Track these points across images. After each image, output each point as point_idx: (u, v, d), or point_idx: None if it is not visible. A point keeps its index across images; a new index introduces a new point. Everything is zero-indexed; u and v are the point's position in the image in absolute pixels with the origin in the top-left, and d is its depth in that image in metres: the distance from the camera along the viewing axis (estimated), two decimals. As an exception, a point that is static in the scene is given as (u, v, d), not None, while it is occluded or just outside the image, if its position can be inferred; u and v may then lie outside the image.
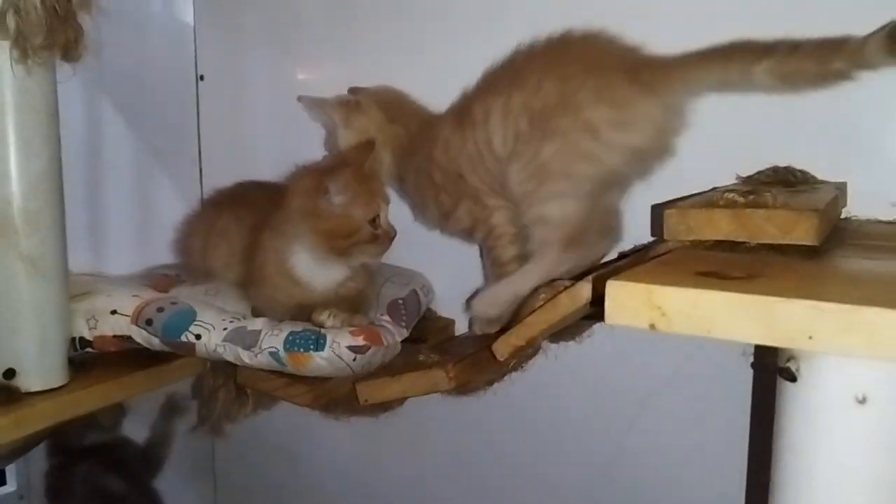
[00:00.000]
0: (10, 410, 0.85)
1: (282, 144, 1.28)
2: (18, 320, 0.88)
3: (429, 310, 1.16)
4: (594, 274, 0.82)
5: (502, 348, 0.82)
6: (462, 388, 0.93)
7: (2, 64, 0.83)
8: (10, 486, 1.73)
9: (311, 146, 1.19)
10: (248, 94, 1.32)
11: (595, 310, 0.76)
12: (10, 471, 1.73)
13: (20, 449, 1.09)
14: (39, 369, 0.90)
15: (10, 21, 0.81)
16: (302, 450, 1.33)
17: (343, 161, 0.96)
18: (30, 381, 0.89)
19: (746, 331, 0.52)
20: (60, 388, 0.91)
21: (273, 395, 0.96)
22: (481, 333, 0.94)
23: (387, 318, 1.02)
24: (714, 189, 0.91)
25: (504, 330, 0.86)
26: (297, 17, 1.24)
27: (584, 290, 0.77)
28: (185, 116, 1.35)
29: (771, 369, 0.59)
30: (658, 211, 0.91)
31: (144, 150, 1.43)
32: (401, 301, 1.06)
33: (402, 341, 1.00)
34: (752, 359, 0.88)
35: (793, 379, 0.55)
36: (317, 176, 0.93)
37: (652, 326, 0.55)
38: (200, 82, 1.34)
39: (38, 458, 1.71)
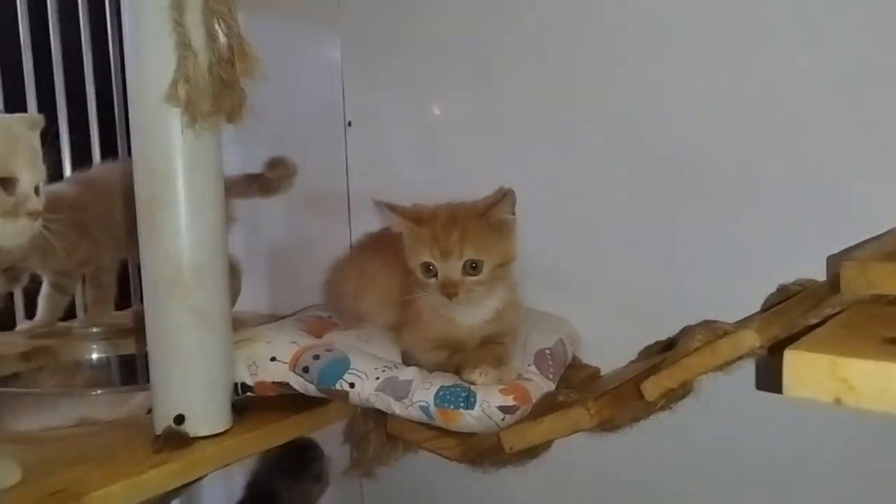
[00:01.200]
0: (181, 456, 0.90)
1: (425, 188, 1.30)
2: (188, 368, 0.93)
3: (574, 357, 1.14)
4: (759, 321, 0.79)
5: (652, 388, 0.80)
6: (606, 426, 0.91)
7: (174, 129, 0.89)
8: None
9: (454, 191, 1.20)
10: (393, 138, 1.35)
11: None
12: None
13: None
14: (206, 415, 0.95)
15: (181, 90, 0.87)
16: (450, 492, 1.33)
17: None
18: (197, 426, 0.94)
19: (949, 409, 0.48)
20: (225, 432, 0.96)
21: (421, 447, 0.96)
22: None
23: (534, 368, 1.01)
24: (891, 232, 0.85)
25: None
26: (439, 64, 1.26)
27: (748, 337, 0.75)
28: (334, 161, 1.40)
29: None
30: (834, 262, 0.86)
31: (298, 194, 1.49)
32: (548, 351, 1.04)
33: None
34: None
35: None
36: None
37: (837, 401, 0.51)
38: (348, 128, 1.38)
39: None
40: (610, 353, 1.12)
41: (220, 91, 0.88)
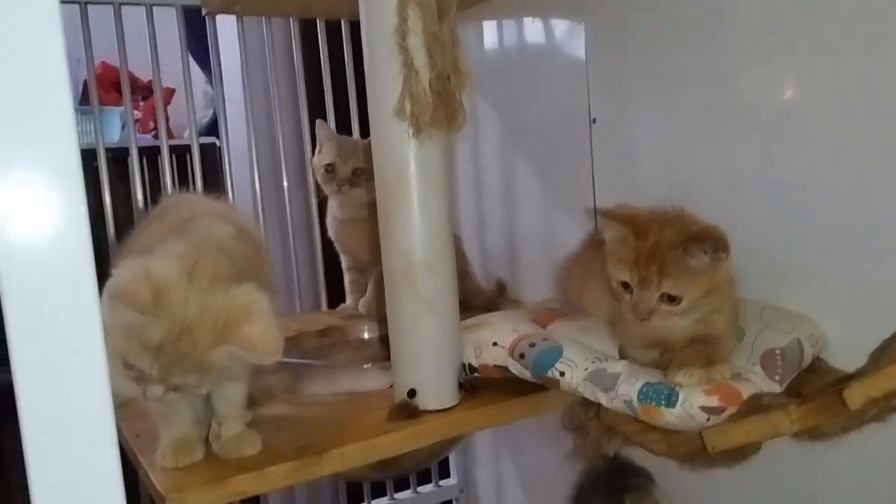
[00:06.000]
0: (409, 426, 1.02)
1: (668, 187, 1.29)
2: (418, 350, 1.06)
3: (818, 359, 1.06)
4: None
5: (855, 397, 0.74)
6: (812, 433, 0.84)
7: (404, 140, 1.01)
8: (453, 479, 2.03)
9: (698, 190, 1.18)
10: (638, 136, 1.35)
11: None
12: (453, 464, 2.03)
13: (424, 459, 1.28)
14: (434, 391, 1.06)
15: (406, 105, 0.98)
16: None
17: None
18: (426, 400, 1.05)
19: None
20: (450, 408, 1.06)
21: (630, 440, 0.98)
22: None
23: (758, 368, 0.96)
24: None
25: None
26: (681, 63, 1.24)
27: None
28: (580, 158, 1.44)
29: None
30: None
31: (548, 191, 1.56)
32: (778, 351, 0.99)
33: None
34: None
35: None
36: None
37: None
38: (593, 125, 1.41)
39: (481, 455, 1.97)
40: (864, 357, 1.02)
41: (437, 104, 0.98)
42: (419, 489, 1.97)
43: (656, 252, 0.92)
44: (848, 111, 1.01)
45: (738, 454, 0.89)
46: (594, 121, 1.41)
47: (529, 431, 1.77)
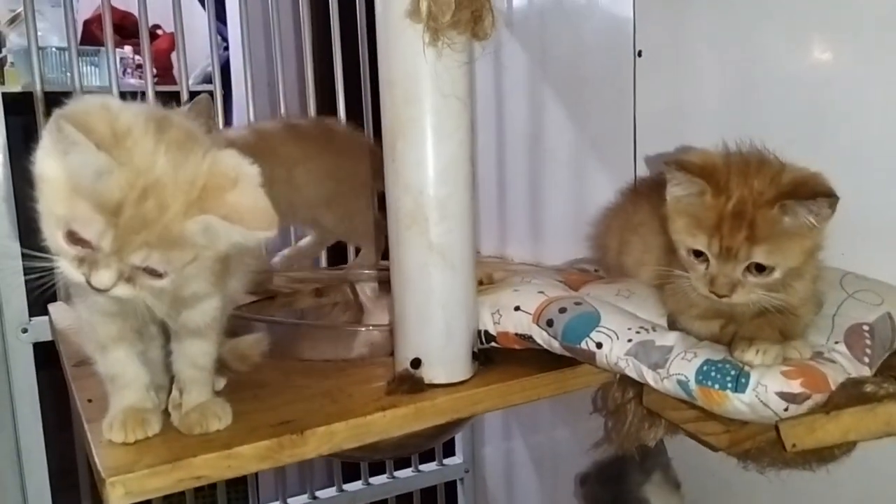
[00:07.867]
0: (412, 401, 0.84)
1: (725, 126, 1.09)
2: (425, 310, 0.87)
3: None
4: None
5: None
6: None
7: (416, 48, 0.81)
8: (458, 458, 1.86)
9: (759, 129, 0.99)
10: (691, 72, 1.15)
11: None
12: (459, 443, 1.85)
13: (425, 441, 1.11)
14: (443, 362, 0.88)
15: (423, 4, 0.79)
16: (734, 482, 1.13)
17: None
18: (433, 372, 0.87)
19: None
20: (462, 383, 0.88)
21: (681, 429, 0.79)
22: None
23: (843, 347, 0.78)
24: None
25: None
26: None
27: None
28: (621, 95, 1.24)
29: None
30: None
31: (581, 138, 1.37)
32: (866, 327, 0.80)
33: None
34: None
35: None
36: None
37: None
38: (638, 58, 1.21)
39: (490, 434, 1.80)
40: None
41: (461, 1, 0.79)
42: (421, 467, 1.80)
43: (744, 212, 0.74)
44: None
45: (825, 455, 0.71)
46: (639, 54, 1.21)
47: (543, 409, 1.60)
